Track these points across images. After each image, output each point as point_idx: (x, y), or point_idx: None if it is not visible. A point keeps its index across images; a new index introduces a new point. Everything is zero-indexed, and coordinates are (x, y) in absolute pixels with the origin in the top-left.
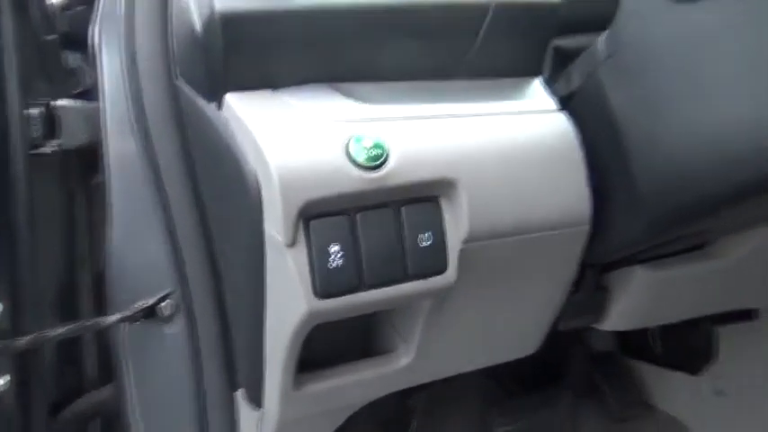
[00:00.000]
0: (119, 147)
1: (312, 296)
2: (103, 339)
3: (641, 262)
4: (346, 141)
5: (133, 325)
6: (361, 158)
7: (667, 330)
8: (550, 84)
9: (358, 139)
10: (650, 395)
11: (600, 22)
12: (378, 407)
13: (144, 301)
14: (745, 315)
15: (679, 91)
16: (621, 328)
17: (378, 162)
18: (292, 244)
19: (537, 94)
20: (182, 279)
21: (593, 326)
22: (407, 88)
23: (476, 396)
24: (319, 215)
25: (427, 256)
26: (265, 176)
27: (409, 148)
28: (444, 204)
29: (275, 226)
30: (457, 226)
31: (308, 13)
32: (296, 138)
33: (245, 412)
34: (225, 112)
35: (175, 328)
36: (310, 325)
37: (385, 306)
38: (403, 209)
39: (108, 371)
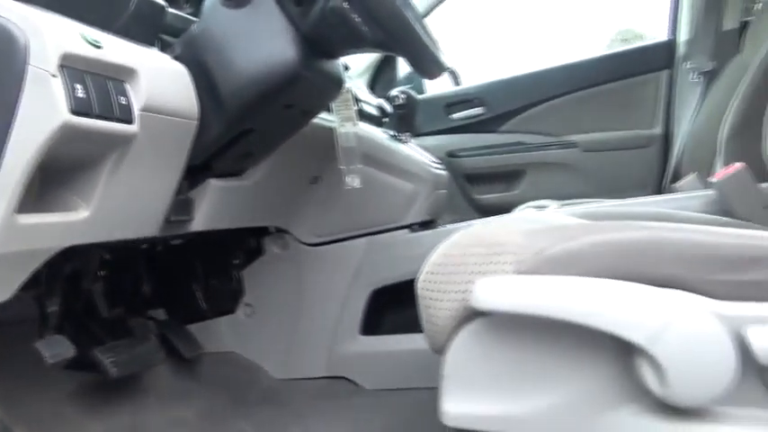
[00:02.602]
0: None
1: (67, 111)
2: None
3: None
4: (82, 31)
5: None
6: (91, 39)
7: (209, 290)
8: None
9: (88, 33)
10: (204, 344)
11: (179, 31)
12: None
13: None
14: (258, 253)
15: (235, 50)
16: (204, 228)
17: (99, 46)
18: (55, 75)
19: (159, 53)
20: None
21: (187, 230)
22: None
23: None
24: (67, 66)
25: (124, 109)
26: (38, 36)
27: (111, 46)
28: (131, 84)
29: (43, 64)
30: (138, 98)
31: None
32: (53, 22)
33: None
34: None
35: None
36: (59, 137)
37: (98, 138)
38: (110, 81)
39: None
